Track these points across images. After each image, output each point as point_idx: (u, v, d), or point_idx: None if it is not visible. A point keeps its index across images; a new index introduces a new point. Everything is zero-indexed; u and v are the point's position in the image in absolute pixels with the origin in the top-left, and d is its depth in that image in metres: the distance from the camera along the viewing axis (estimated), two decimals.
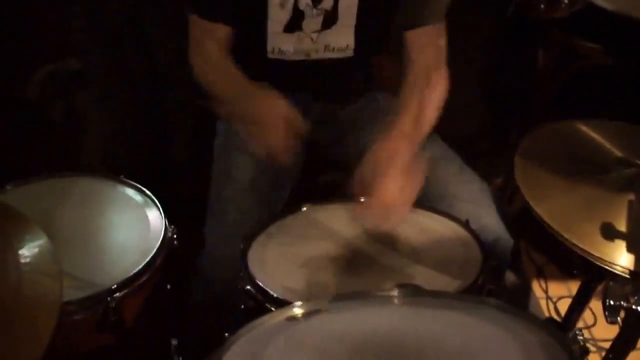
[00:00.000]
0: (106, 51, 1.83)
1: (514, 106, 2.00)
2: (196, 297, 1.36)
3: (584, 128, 1.26)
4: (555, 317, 1.90)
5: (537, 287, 2.02)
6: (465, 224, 1.22)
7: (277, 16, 1.36)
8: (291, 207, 1.29)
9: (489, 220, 1.29)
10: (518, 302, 1.88)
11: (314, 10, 1.36)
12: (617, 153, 1.19)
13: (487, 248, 1.16)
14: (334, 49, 1.42)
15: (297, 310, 0.82)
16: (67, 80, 1.97)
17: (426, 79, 1.38)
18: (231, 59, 1.40)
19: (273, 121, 1.24)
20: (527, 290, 1.96)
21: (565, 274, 2.03)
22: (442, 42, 1.43)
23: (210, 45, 1.39)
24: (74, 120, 1.98)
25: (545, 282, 2.03)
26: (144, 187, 1.38)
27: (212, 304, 1.30)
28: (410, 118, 1.29)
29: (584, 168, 1.15)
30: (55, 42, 2.00)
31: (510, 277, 1.99)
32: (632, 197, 1.05)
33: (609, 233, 0.98)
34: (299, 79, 1.45)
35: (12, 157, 1.86)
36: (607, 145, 1.21)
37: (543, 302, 1.97)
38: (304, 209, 1.27)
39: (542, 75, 1.94)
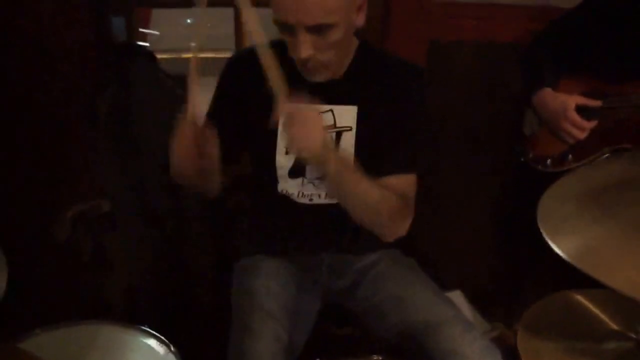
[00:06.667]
0: (135, 196, 1.96)
1: (525, 253, 2.06)
2: None
3: (581, 300, 1.32)
4: None
5: None
6: None
7: (282, 161, 1.50)
8: None
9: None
10: None
11: None
12: (613, 325, 1.25)
13: None
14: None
15: None
16: (96, 222, 2.06)
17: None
18: None
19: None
20: None
21: None
22: (412, 190, 1.50)
23: None
24: (101, 261, 2.06)
25: None
26: (164, 333, 1.43)
27: None
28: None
29: (582, 341, 1.20)
30: (87, 183, 2.12)
31: None
32: None
33: None
34: (307, 220, 1.57)
35: (39, 296, 1.93)
36: (603, 316, 1.27)
37: None
38: None
39: None
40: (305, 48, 1.31)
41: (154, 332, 1.45)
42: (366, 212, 1.43)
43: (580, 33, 1.75)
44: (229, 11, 2.17)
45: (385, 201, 1.41)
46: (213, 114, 1.55)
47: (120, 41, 2.13)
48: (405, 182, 1.48)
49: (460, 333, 1.41)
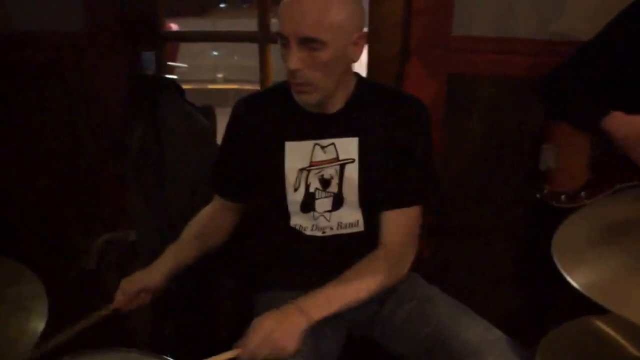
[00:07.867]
0: (160, 228, 2.00)
1: (544, 290, 2.05)
2: None
3: (601, 325, 1.31)
4: None
5: None
6: None
7: (293, 197, 1.56)
8: None
9: None
10: None
11: (324, 193, 1.55)
12: (634, 352, 1.24)
13: None
14: (346, 225, 1.58)
15: None
16: (122, 251, 2.10)
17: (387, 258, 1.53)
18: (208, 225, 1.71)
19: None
20: None
21: None
22: (416, 224, 1.58)
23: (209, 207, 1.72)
24: None
25: None
26: None
27: None
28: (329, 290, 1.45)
29: None
30: (116, 214, 2.19)
31: None
32: None
33: None
34: (320, 253, 1.60)
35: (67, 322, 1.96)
36: (623, 342, 1.27)
37: None
38: None
39: None
40: (293, 60, 1.41)
41: None
42: (368, 296, 1.49)
43: (603, 63, 1.73)
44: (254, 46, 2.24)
45: (375, 279, 1.49)
46: (222, 159, 1.68)
47: (149, 74, 2.19)
48: (407, 217, 1.55)
49: (482, 333, 1.43)
